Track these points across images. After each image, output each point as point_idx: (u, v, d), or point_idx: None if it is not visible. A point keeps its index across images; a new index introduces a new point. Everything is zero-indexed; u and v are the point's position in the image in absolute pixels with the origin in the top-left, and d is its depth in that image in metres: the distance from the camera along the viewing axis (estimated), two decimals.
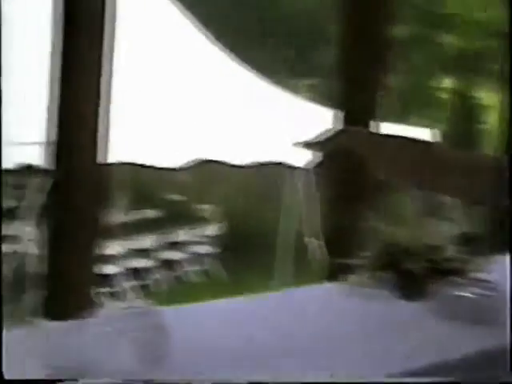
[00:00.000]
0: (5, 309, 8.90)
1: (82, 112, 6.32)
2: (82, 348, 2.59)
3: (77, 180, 6.42)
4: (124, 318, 2.68)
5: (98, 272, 6.79)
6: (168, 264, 11.04)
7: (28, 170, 9.92)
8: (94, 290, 6.70)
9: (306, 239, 10.40)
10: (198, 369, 2.70)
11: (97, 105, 6.34)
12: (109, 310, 2.72)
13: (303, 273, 9.56)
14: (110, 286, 9.70)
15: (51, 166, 7.04)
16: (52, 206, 6.84)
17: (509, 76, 7.41)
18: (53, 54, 6.32)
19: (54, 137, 6.46)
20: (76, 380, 2.00)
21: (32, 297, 9.69)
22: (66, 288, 6.44)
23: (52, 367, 2.53)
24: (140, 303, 2.85)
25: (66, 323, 2.87)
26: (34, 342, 2.70)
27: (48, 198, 8.35)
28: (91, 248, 6.62)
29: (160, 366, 2.63)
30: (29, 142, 9.28)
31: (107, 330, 2.64)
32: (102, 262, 7.26)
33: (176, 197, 12.49)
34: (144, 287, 10.35)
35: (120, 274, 10.28)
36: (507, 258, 3.73)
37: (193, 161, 10.11)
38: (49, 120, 6.45)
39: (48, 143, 7.09)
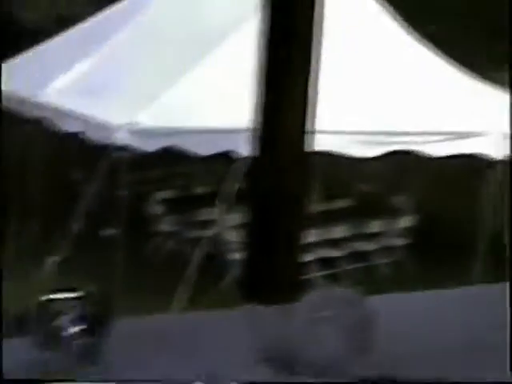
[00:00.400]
0: (200, 293, 9.21)
1: (290, 99, 6.48)
2: (290, 333, 2.72)
3: (282, 167, 6.60)
4: (330, 305, 2.80)
5: (298, 259, 7.00)
6: (359, 255, 11.13)
7: (224, 156, 10.27)
8: (297, 277, 6.90)
9: (506, 236, 10.24)
10: (398, 357, 2.78)
11: (305, 93, 6.48)
12: (313, 297, 2.83)
13: (500, 269, 9.43)
14: (307, 273, 9.91)
15: (253, 153, 7.30)
16: (254, 192, 7.08)
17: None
18: (259, 39, 6.50)
19: (258, 124, 6.66)
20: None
21: (231, 281, 10.08)
22: (270, 273, 6.66)
23: (263, 350, 2.67)
24: (343, 292, 2.96)
25: (272, 308, 3.00)
26: (243, 326, 2.84)
27: (248, 183, 8.66)
28: (294, 235, 6.82)
29: (366, 355, 2.72)
30: (228, 129, 9.62)
31: (314, 316, 2.76)
32: (302, 250, 7.46)
33: (369, 187, 12.56)
34: (336, 277, 10.50)
35: (315, 262, 10.48)
36: None
37: (387, 151, 10.17)
38: (255, 107, 6.64)
39: (252, 130, 7.34)
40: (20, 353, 2.52)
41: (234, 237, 10.44)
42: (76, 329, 2.59)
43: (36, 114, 11.21)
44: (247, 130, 9.00)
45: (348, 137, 9.84)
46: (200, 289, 9.70)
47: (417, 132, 10.19)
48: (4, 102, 11.68)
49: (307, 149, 6.84)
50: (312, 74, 6.51)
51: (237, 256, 10.25)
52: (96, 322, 2.62)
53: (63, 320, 2.57)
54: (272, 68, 6.53)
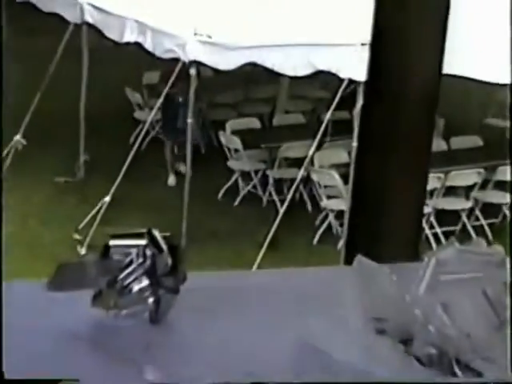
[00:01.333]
0: (290, 246, 9.25)
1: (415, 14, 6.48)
2: (409, 298, 2.71)
3: (401, 94, 6.54)
4: (463, 265, 2.77)
5: (416, 209, 6.90)
6: (487, 207, 11.04)
7: (320, 78, 10.28)
8: (414, 231, 6.82)
9: None
10: None
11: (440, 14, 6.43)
12: (440, 254, 2.82)
13: None
14: (424, 229, 9.84)
15: (364, 77, 7.31)
16: (364, 125, 7.04)
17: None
18: None
19: (374, 41, 6.61)
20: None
21: (328, 233, 10.11)
22: (380, 224, 6.61)
23: (374, 320, 2.68)
24: (482, 249, 2.93)
25: (385, 267, 2.99)
26: (348, 286, 2.88)
27: (353, 112, 8.71)
28: (411, 178, 6.74)
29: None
30: (327, 43, 9.55)
31: (440, 279, 2.74)
32: (420, 199, 7.38)
33: (501, 122, 12.40)
34: (459, 234, 10.44)
35: (434, 215, 10.41)
36: None
37: None
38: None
39: (362, 46, 7.31)
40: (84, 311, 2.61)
41: (331, 179, 10.37)
42: (144, 283, 2.63)
43: (97, 21, 11.34)
44: (353, 45, 8.93)
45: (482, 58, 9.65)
46: (289, 241, 9.77)
47: None
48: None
49: (432, 74, 6.79)
50: None
51: (337, 203, 10.24)
52: (165, 275, 2.64)
53: (129, 272, 2.60)
54: None
